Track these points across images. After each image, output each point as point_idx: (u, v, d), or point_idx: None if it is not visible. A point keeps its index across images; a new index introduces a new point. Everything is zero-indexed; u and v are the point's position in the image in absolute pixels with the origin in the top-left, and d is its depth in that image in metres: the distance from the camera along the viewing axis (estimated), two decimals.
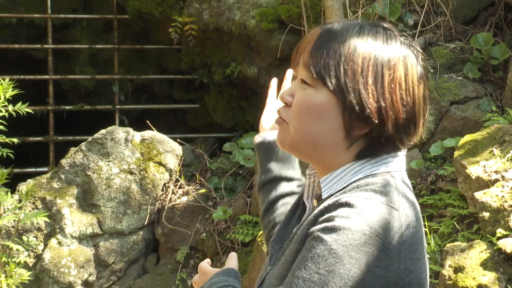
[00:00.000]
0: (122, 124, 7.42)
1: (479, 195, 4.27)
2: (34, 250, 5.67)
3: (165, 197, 6.08)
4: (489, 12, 6.04)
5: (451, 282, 4.02)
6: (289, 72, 2.03)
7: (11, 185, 5.28)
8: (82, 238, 5.75)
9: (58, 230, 5.71)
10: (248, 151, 6.25)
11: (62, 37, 8.07)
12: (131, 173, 5.94)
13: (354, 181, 1.58)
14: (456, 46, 5.73)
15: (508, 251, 3.96)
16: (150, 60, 8.23)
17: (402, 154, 1.65)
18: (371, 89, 1.55)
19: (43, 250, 5.67)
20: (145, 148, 6.04)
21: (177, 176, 6.18)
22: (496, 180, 4.33)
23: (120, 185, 5.89)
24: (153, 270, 5.99)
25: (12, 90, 4.73)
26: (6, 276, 4.85)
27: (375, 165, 1.60)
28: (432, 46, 5.75)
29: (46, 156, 7.26)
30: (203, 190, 6.18)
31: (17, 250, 5.20)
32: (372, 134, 1.58)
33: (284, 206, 1.96)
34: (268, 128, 2.04)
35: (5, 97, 4.72)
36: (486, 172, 4.41)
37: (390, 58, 1.58)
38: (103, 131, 6.03)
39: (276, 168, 1.99)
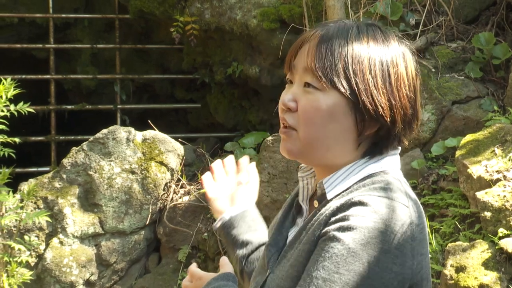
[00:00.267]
0: (123, 123, 7.42)
1: (481, 194, 4.27)
2: (36, 250, 5.67)
3: (166, 197, 6.09)
4: (491, 11, 6.04)
5: (453, 281, 4.01)
6: (230, 159, 2.09)
7: (13, 184, 5.28)
8: (83, 238, 5.76)
9: (59, 230, 5.71)
10: (249, 151, 6.25)
11: (64, 37, 8.08)
12: (133, 172, 5.94)
13: (359, 180, 1.59)
14: (458, 46, 5.73)
15: (509, 250, 3.95)
16: (151, 60, 8.23)
17: (398, 152, 1.67)
18: (381, 88, 1.57)
19: (44, 250, 5.68)
20: (147, 147, 6.04)
21: (178, 176, 6.18)
22: (498, 180, 4.33)
23: (121, 185, 5.89)
24: (155, 270, 6.00)
25: (14, 90, 4.74)
26: (8, 276, 4.85)
27: (377, 163, 1.61)
28: (433, 45, 5.74)
29: (48, 155, 7.27)
30: (204, 190, 6.17)
31: (19, 249, 5.20)
32: (380, 133, 1.60)
33: None
34: (218, 197, 2.06)
35: (7, 97, 4.72)
36: (487, 172, 4.41)
37: (392, 56, 1.60)
38: (104, 130, 6.03)
39: (253, 237, 1.96)
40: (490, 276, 3.92)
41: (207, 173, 2.10)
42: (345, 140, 1.60)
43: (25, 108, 4.86)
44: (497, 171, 4.39)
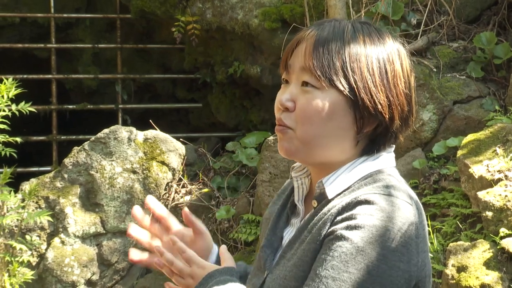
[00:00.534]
0: (125, 123, 7.42)
1: (482, 194, 4.27)
2: (37, 250, 5.68)
3: (168, 197, 6.09)
4: (492, 11, 6.04)
5: (454, 281, 4.01)
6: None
7: (14, 184, 5.28)
8: (85, 238, 5.76)
9: (61, 230, 5.71)
10: (251, 151, 6.24)
11: (65, 37, 8.08)
12: (134, 172, 5.94)
13: (359, 179, 1.60)
14: (459, 46, 5.73)
15: (511, 250, 3.95)
16: (153, 60, 8.23)
17: (392, 150, 1.68)
18: (379, 85, 1.58)
19: (46, 250, 5.68)
20: (148, 147, 6.04)
21: (180, 176, 6.18)
22: (499, 180, 4.32)
23: (123, 185, 5.89)
24: (156, 270, 5.99)
25: (15, 90, 4.74)
26: (9, 275, 4.85)
27: (375, 161, 1.63)
28: (435, 45, 5.74)
29: (49, 155, 7.27)
30: (206, 190, 6.18)
31: (20, 249, 5.21)
32: (377, 130, 1.61)
33: None
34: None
35: (8, 97, 4.73)
36: (489, 172, 4.41)
37: (388, 53, 1.62)
38: (106, 130, 6.03)
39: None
40: (492, 276, 3.92)
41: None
42: (344, 138, 1.60)
43: (26, 107, 4.87)
44: (498, 171, 4.38)
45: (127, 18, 7.51)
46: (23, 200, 5.46)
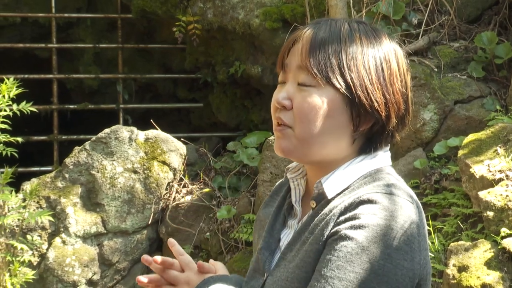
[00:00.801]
0: (126, 123, 7.42)
1: (483, 194, 4.26)
2: (38, 249, 5.68)
3: (169, 196, 6.09)
4: (493, 11, 6.03)
5: (455, 281, 4.01)
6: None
7: (15, 184, 5.29)
8: (86, 237, 5.76)
9: (62, 229, 5.72)
10: (252, 150, 6.24)
11: (66, 37, 8.08)
12: (135, 172, 5.94)
13: (358, 178, 1.60)
14: (460, 45, 5.73)
15: None
16: (154, 59, 8.23)
17: (389, 148, 1.69)
18: (375, 83, 1.59)
19: (47, 249, 5.68)
20: (149, 147, 6.04)
21: (181, 175, 6.18)
22: (500, 179, 4.32)
23: (124, 184, 5.89)
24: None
25: (16, 89, 4.75)
26: (10, 275, 4.86)
27: (373, 160, 1.63)
28: (436, 45, 5.74)
29: (50, 155, 7.27)
30: (207, 189, 6.18)
31: (22, 249, 5.21)
32: (374, 128, 1.62)
33: None
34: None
35: (9, 96, 4.73)
36: (490, 171, 4.41)
37: (384, 52, 1.63)
38: (107, 130, 6.04)
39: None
40: (493, 276, 3.92)
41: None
42: (341, 136, 1.61)
43: (27, 107, 4.87)
44: (499, 171, 4.38)
45: (128, 18, 7.51)
46: (24, 200, 5.46)
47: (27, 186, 5.78)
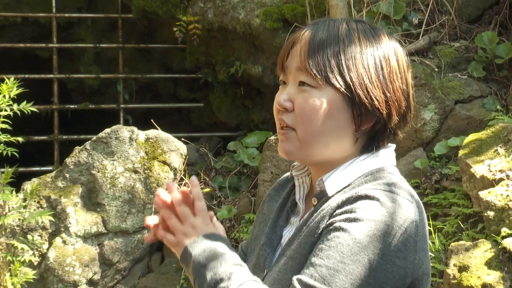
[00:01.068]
0: (126, 123, 7.42)
1: (484, 194, 4.26)
2: (39, 249, 5.68)
3: None
4: (494, 11, 6.03)
5: (456, 281, 4.01)
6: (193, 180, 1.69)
7: (16, 184, 5.28)
8: (86, 237, 5.76)
9: (62, 229, 5.72)
10: (252, 150, 6.25)
11: (67, 36, 8.08)
12: (136, 172, 5.94)
13: (360, 177, 1.61)
14: (461, 45, 5.73)
15: None
16: (154, 59, 8.23)
17: (392, 148, 1.69)
18: (375, 81, 1.59)
19: (47, 249, 5.68)
20: (150, 147, 6.05)
21: (181, 175, 6.18)
22: (501, 179, 4.32)
23: (124, 184, 5.89)
24: (158, 269, 6.00)
25: (17, 89, 4.74)
26: (11, 275, 4.86)
27: (375, 159, 1.64)
28: (436, 45, 5.74)
29: (51, 155, 7.27)
30: (207, 189, 6.18)
31: (22, 249, 5.21)
32: (376, 127, 1.62)
33: None
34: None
35: (9, 96, 4.73)
36: (490, 171, 4.41)
37: (383, 50, 1.63)
38: (107, 130, 6.04)
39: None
40: (493, 276, 3.92)
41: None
42: (343, 136, 1.61)
43: (28, 107, 4.87)
44: (500, 171, 4.38)
45: (129, 17, 7.51)
46: (24, 200, 5.46)
47: (28, 186, 5.79)
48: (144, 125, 6.38)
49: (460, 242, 4.19)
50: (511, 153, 4.49)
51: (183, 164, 6.19)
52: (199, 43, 6.83)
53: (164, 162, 6.03)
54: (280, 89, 1.68)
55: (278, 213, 1.76)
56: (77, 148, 6.01)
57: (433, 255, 4.38)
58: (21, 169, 6.28)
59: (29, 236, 5.47)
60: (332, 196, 1.60)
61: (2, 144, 4.82)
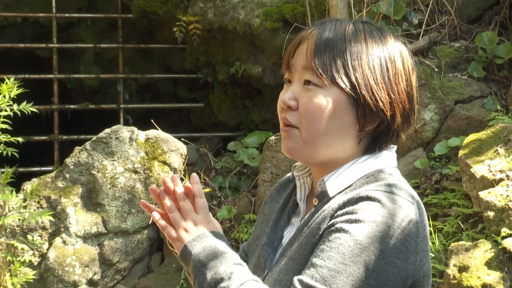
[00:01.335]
0: (126, 123, 7.42)
1: (484, 194, 4.26)
2: (39, 249, 5.68)
3: None
4: (494, 11, 6.03)
5: (456, 281, 4.01)
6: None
7: (16, 184, 5.29)
8: (86, 237, 5.76)
9: (62, 229, 5.72)
10: (252, 150, 6.24)
11: (67, 36, 8.08)
12: (136, 172, 5.94)
13: (361, 178, 1.61)
14: (461, 45, 5.73)
15: None
16: (154, 59, 8.23)
17: (394, 149, 1.69)
18: (380, 82, 1.60)
19: (47, 249, 5.68)
20: (150, 147, 6.05)
21: (181, 175, 6.18)
22: (501, 180, 4.32)
23: (124, 184, 5.89)
24: (158, 269, 6.00)
25: (17, 89, 4.75)
26: (11, 275, 4.86)
27: (377, 160, 1.64)
28: (436, 45, 5.74)
29: (51, 155, 7.27)
30: (207, 189, 6.18)
31: (22, 249, 5.21)
32: (380, 128, 1.62)
33: None
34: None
35: (10, 96, 4.73)
36: (490, 171, 4.41)
37: (389, 51, 1.63)
38: (107, 130, 6.04)
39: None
40: (493, 276, 3.92)
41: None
42: (346, 137, 1.61)
43: (28, 107, 4.87)
44: (500, 171, 4.38)
45: (129, 17, 7.51)
46: (24, 200, 5.46)
47: (28, 186, 5.79)
48: (144, 125, 6.38)
49: (460, 242, 4.19)
50: (511, 153, 4.49)
51: (183, 164, 6.19)
52: (199, 43, 6.83)
53: (164, 162, 6.03)
54: (285, 87, 1.68)
55: (279, 214, 1.76)
56: (77, 148, 6.01)
57: (433, 255, 4.38)
58: (21, 169, 6.28)
59: (29, 236, 5.47)
60: (333, 196, 1.60)
61: (2, 144, 4.82)
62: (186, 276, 5.84)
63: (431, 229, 4.48)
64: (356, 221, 1.49)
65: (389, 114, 1.60)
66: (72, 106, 7.63)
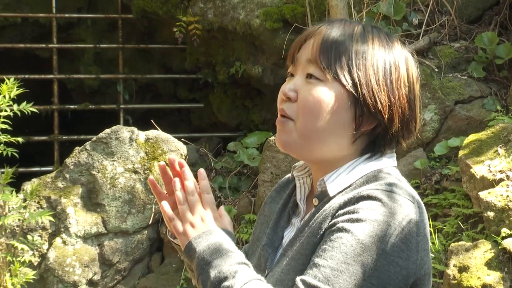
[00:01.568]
0: (126, 123, 7.42)
1: (484, 194, 4.26)
2: (39, 249, 5.68)
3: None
4: (494, 11, 6.03)
5: (456, 281, 4.01)
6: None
7: (16, 184, 5.29)
8: (86, 238, 5.76)
9: (62, 229, 5.72)
10: (252, 151, 6.24)
11: (67, 37, 8.08)
12: (136, 172, 5.94)
13: (361, 178, 1.61)
14: (461, 46, 5.73)
15: None
16: (154, 60, 8.23)
17: (395, 156, 1.70)
18: (382, 84, 1.60)
19: (47, 249, 5.68)
20: (150, 147, 6.05)
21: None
22: (501, 180, 4.32)
23: (124, 185, 5.89)
24: (158, 269, 6.00)
25: (17, 90, 4.75)
26: (11, 275, 4.86)
27: (377, 162, 1.64)
28: (436, 45, 5.74)
29: (51, 155, 7.27)
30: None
31: (22, 249, 5.21)
32: (377, 130, 1.63)
33: None
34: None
35: (10, 97, 4.73)
36: (490, 172, 4.41)
37: (395, 57, 1.64)
38: (107, 130, 6.04)
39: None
40: (493, 276, 3.92)
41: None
42: (341, 134, 1.62)
43: (28, 107, 4.87)
44: (500, 171, 4.38)
45: (129, 18, 7.51)
46: (24, 200, 5.46)
47: (28, 186, 5.79)
48: (144, 126, 6.38)
49: (460, 243, 4.19)
50: (511, 154, 4.49)
51: None
52: (199, 44, 6.83)
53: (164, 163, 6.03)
54: (287, 80, 1.69)
55: (280, 214, 1.76)
56: (77, 149, 6.01)
57: (433, 255, 4.38)
58: (21, 169, 6.28)
59: (29, 237, 5.47)
60: (334, 196, 1.60)
61: (2, 145, 4.82)
62: (186, 276, 5.84)
63: (431, 229, 4.48)
64: (357, 220, 1.49)
65: (386, 117, 1.60)
66: (72, 106, 7.63)
